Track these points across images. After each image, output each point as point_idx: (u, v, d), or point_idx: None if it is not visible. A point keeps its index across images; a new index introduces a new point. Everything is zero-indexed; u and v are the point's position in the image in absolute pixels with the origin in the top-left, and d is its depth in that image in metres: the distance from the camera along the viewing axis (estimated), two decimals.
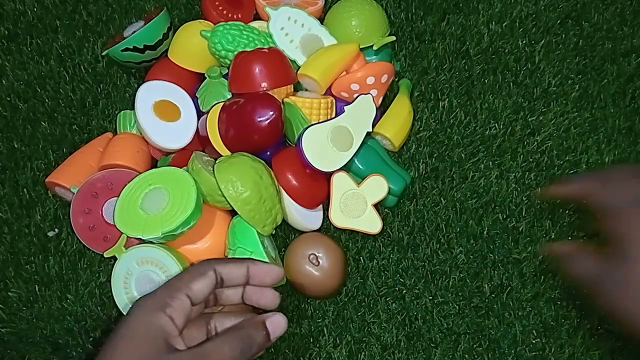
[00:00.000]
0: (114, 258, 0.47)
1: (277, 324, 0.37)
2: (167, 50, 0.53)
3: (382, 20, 0.53)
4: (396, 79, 0.55)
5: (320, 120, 0.49)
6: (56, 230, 0.50)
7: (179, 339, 0.34)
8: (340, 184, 0.49)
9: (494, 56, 0.57)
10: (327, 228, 0.50)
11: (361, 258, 0.49)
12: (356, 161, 0.49)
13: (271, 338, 0.37)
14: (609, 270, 0.38)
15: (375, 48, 0.52)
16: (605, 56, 0.57)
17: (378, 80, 0.51)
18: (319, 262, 0.45)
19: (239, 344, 0.35)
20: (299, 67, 0.51)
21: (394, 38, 0.53)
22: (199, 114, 0.51)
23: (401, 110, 0.52)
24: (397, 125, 0.51)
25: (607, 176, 0.41)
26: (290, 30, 0.51)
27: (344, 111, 0.49)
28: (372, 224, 0.48)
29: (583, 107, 0.55)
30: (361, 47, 0.52)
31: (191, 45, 0.52)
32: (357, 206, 0.48)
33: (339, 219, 0.48)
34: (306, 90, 0.52)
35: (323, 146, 0.47)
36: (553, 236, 0.50)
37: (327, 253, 0.45)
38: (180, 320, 0.34)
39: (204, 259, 0.37)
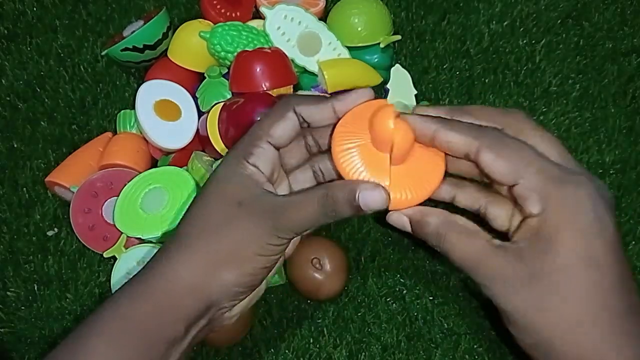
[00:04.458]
0: (114, 258, 0.47)
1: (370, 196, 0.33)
2: (166, 50, 0.53)
3: (386, 19, 0.53)
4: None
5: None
6: (55, 229, 0.50)
7: (268, 184, 0.34)
8: None
9: (494, 56, 0.57)
10: (327, 228, 0.50)
11: (362, 258, 0.49)
12: None
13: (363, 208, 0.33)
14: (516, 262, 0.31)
15: (382, 46, 0.52)
16: (606, 56, 0.57)
17: None
18: (322, 266, 0.45)
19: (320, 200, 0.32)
20: (297, 66, 0.51)
21: (399, 37, 0.53)
22: (199, 113, 0.51)
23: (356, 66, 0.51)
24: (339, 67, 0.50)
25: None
26: (287, 29, 0.51)
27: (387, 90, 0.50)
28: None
29: (583, 107, 0.55)
30: (365, 45, 0.52)
31: (191, 44, 0.52)
32: None
33: None
34: (315, 86, 0.52)
35: None
36: None
37: (329, 256, 0.45)
38: (267, 167, 0.34)
39: (284, 97, 0.35)
